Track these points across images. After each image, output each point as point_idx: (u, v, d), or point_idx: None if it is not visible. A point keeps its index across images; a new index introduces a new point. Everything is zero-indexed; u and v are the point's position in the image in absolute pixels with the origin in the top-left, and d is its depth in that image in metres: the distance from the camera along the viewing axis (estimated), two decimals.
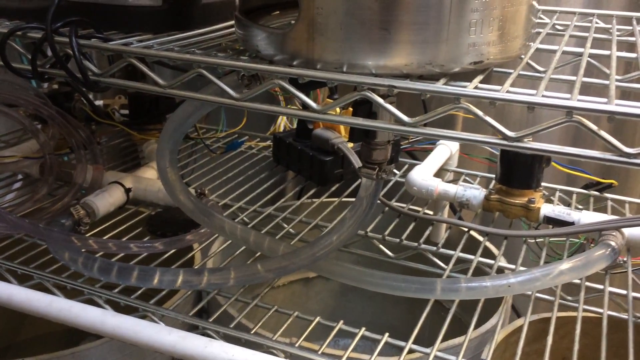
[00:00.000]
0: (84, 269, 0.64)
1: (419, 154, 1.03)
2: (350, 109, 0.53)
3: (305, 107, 0.47)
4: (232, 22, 0.59)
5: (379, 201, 0.82)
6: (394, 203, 0.88)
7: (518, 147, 0.40)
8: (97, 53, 0.58)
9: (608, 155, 0.38)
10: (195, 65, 0.49)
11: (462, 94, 0.41)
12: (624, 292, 0.69)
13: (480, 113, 0.41)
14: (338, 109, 0.54)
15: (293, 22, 0.47)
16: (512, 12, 0.46)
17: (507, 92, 0.43)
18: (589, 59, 0.56)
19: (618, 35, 0.68)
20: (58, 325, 0.62)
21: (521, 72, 0.52)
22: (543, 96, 0.42)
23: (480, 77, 0.46)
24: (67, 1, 0.58)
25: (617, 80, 0.53)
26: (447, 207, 0.97)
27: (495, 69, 0.51)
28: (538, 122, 0.41)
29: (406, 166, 0.99)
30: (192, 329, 0.60)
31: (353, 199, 0.63)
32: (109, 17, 0.60)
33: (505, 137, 0.40)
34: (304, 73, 0.46)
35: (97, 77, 0.53)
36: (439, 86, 0.43)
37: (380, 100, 0.44)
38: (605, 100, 0.41)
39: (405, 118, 0.43)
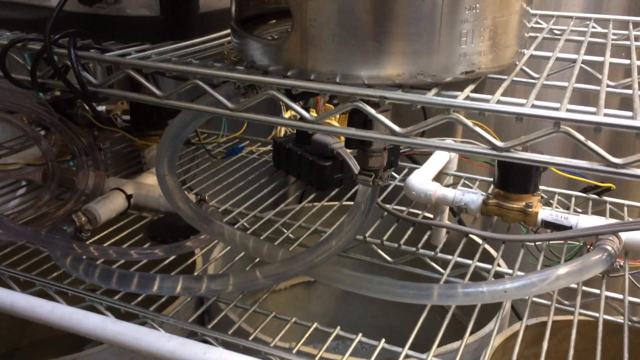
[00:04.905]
0: (85, 275, 0.65)
1: (418, 158, 1.04)
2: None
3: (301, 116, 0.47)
4: (229, 31, 0.60)
5: (377, 205, 0.83)
6: (393, 206, 0.88)
7: (507, 157, 0.40)
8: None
9: (596, 165, 0.39)
10: (191, 76, 0.50)
11: (451, 104, 0.42)
12: (620, 296, 0.69)
13: (469, 123, 0.41)
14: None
15: (289, 30, 0.47)
16: (503, 22, 0.47)
17: (498, 101, 0.44)
18: (582, 65, 0.57)
19: (614, 40, 0.68)
20: (61, 330, 0.63)
21: (515, 79, 0.52)
22: (533, 106, 0.42)
23: (472, 87, 0.46)
24: (67, 12, 0.59)
25: (609, 86, 0.53)
26: (448, 210, 0.97)
27: (491, 75, 0.52)
28: (535, 128, 0.41)
29: (405, 170, 0.99)
30: (192, 335, 0.60)
31: (353, 203, 0.64)
32: (108, 27, 0.61)
33: (494, 147, 0.41)
34: (297, 84, 0.46)
35: (95, 87, 0.54)
36: (429, 97, 0.43)
37: (372, 111, 0.44)
38: (594, 109, 0.42)
39: (396, 128, 0.44)
